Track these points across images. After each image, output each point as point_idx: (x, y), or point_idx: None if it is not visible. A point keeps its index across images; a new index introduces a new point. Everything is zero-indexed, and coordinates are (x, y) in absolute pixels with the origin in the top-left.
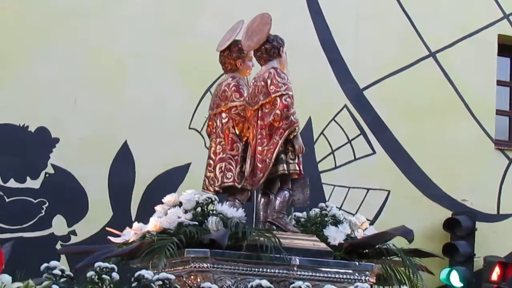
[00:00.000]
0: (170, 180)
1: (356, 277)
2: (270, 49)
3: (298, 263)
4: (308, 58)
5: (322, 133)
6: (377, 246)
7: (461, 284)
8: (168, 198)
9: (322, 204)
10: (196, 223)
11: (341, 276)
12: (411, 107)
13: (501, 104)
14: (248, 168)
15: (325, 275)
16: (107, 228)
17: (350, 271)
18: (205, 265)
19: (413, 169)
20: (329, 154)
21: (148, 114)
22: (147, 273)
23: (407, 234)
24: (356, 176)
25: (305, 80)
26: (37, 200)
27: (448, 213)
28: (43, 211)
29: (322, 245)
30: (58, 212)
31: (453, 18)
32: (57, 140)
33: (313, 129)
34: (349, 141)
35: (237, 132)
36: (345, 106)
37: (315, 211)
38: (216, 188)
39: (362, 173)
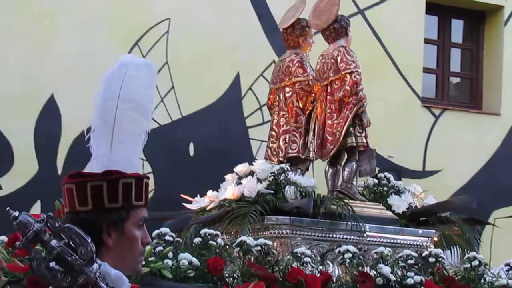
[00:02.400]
0: None
1: (419, 243)
2: (339, 28)
3: (368, 230)
4: (237, 13)
5: (250, 88)
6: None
7: None
8: (240, 168)
9: (381, 175)
10: (273, 191)
11: (406, 242)
12: None
13: (429, 62)
14: (316, 140)
15: (392, 241)
16: (182, 195)
17: (415, 237)
18: (284, 231)
19: None
20: (256, 110)
21: (75, 68)
22: (248, 239)
23: (470, 203)
24: None
25: (233, 35)
26: None
27: None
28: None
29: (389, 213)
30: None
31: None
32: None
33: (241, 85)
34: None
35: (301, 106)
36: (273, 61)
37: (373, 181)
38: (280, 159)
39: None
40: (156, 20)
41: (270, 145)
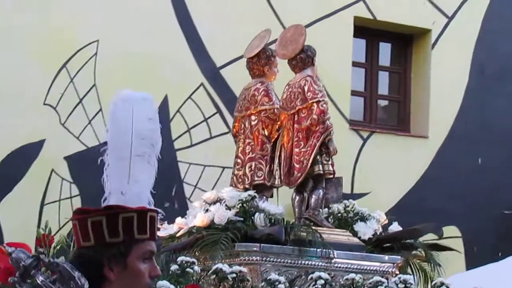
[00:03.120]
0: (24, 155)
1: (385, 269)
2: (305, 58)
3: (336, 256)
4: (166, 36)
5: (178, 111)
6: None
7: None
8: (208, 195)
9: (346, 201)
10: (242, 219)
11: (372, 268)
12: None
13: (356, 85)
14: (283, 167)
15: (359, 267)
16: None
17: (381, 263)
18: (254, 258)
19: None
20: (185, 132)
21: (2, 88)
22: (224, 266)
23: (437, 230)
24: (212, 154)
25: (161, 57)
26: None
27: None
28: None
29: (356, 240)
30: None
31: None
32: None
33: (169, 107)
34: (205, 120)
35: (266, 134)
36: (202, 84)
37: (338, 207)
38: (246, 186)
39: (217, 151)
40: (84, 42)
41: (236, 172)
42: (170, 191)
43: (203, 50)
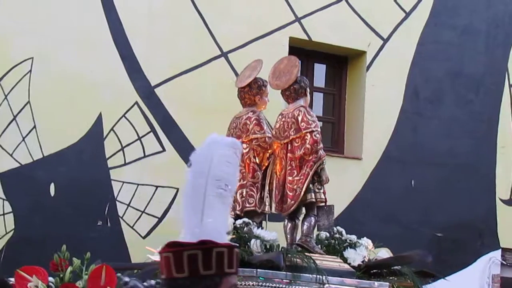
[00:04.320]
0: None
1: None
2: (298, 89)
3: (328, 282)
4: (100, 54)
5: (112, 129)
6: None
7: None
8: None
9: (334, 228)
10: (237, 245)
11: None
12: (202, 106)
13: None
14: (276, 195)
15: None
16: (146, 247)
17: None
18: (251, 283)
19: None
20: (118, 151)
21: None
22: None
23: (426, 257)
24: (146, 173)
25: (95, 75)
26: None
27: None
28: None
29: (346, 266)
30: None
31: (246, 18)
32: None
33: (103, 125)
34: (139, 138)
35: (258, 162)
36: (136, 103)
37: (326, 234)
38: (238, 212)
39: (151, 170)
40: (19, 60)
41: None
42: (103, 209)
43: (138, 69)
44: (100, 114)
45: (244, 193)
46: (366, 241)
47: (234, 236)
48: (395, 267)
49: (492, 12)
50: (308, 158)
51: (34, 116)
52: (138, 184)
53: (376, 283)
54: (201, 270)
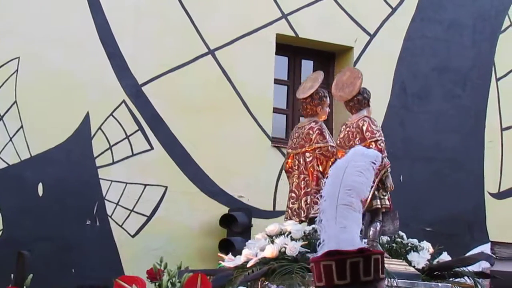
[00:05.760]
0: None
1: None
2: (362, 100)
3: (397, 285)
4: (87, 53)
5: (100, 128)
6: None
7: None
8: (271, 228)
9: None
10: (309, 250)
11: None
12: (190, 104)
13: (279, 102)
14: None
15: None
16: (218, 254)
17: None
18: None
19: (190, 166)
20: (106, 150)
21: None
22: None
23: (489, 259)
24: (134, 171)
25: (82, 74)
26: None
27: (224, 209)
28: None
29: (412, 269)
30: None
31: (232, 16)
32: None
33: (90, 124)
34: (127, 137)
35: (321, 170)
36: (124, 101)
37: (386, 239)
38: (302, 219)
39: (139, 169)
40: (5, 59)
41: (291, 205)
42: (91, 208)
43: (125, 67)
44: (88, 113)
45: (309, 200)
46: (427, 245)
47: (306, 242)
48: (456, 269)
49: (478, 6)
50: None
51: (21, 116)
52: (126, 183)
53: (440, 284)
54: (361, 277)
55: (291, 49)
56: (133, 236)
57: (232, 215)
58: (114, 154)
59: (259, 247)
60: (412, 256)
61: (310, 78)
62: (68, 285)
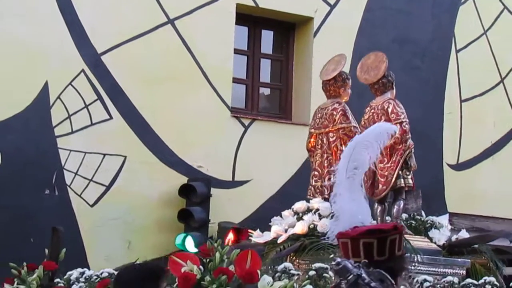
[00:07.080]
0: None
1: (456, 271)
2: (386, 82)
3: (419, 260)
4: (46, 22)
5: (58, 97)
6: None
7: (195, 249)
8: (299, 205)
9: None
10: None
11: (447, 270)
12: (149, 74)
13: (238, 72)
14: (366, 181)
15: (436, 269)
16: (249, 230)
17: (454, 266)
18: None
19: (150, 135)
20: (65, 119)
21: None
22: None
23: (508, 236)
24: (93, 141)
25: (41, 43)
26: None
27: (184, 179)
28: None
29: (434, 246)
30: None
31: None
32: None
33: (49, 93)
34: (86, 106)
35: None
36: (83, 70)
37: (405, 216)
38: (326, 196)
39: (98, 138)
40: None
41: (314, 183)
42: (50, 178)
43: (84, 36)
44: (47, 82)
45: (332, 178)
46: (445, 221)
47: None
48: (475, 246)
49: None
50: (398, 147)
51: None
52: (85, 152)
53: (459, 260)
54: (396, 252)
55: (251, 19)
56: (92, 206)
57: (191, 185)
58: (73, 123)
59: (287, 223)
60: (433, 233)
61: (333, 61)
62: (26, 254)
